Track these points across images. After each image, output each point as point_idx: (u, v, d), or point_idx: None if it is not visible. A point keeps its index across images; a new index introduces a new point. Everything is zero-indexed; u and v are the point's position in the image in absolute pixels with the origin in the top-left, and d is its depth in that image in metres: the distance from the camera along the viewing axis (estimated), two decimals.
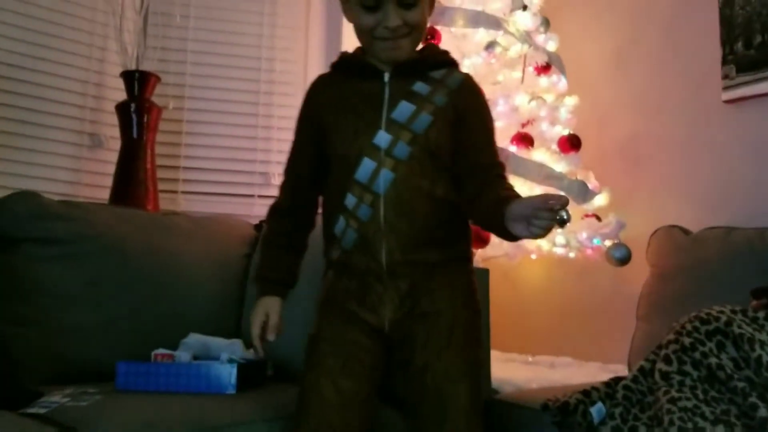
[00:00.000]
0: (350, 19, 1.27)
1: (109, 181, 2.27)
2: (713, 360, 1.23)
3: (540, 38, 2.38)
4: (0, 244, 1.63)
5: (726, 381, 1.21)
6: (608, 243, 2.18)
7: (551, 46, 2.39)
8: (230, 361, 1.50)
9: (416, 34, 1.25)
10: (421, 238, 1.23)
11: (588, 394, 1.33)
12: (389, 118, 1.23)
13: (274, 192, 1.43)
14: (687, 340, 1.26)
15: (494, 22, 2.27)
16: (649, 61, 2.46)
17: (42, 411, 1.25)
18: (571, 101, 2.40)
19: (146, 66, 2.33)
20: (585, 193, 2.18)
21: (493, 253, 2.17)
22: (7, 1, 2.28)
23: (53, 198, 1.75)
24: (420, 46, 1.32)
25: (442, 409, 1.20)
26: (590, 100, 2.49)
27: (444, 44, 2.30)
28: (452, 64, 1.33)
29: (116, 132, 2.31)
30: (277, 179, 1.74)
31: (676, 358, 1.26)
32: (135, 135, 2.27)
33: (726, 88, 2.18)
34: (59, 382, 1.48)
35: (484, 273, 1.63)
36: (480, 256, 2.14)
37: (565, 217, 1.02)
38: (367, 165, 1.22)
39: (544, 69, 2.37)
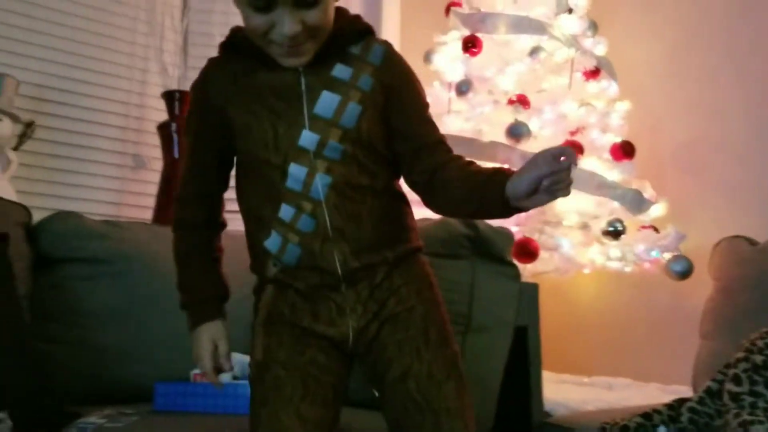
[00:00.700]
0: (237, 6, 1.07)
1: (152, 202, 2.30)
2: None
3: (587, 42, 2.34)
4: (40, 264, 1.66)
5: None
6: (667, 255, 2.14)
7: (600, 50, 2.36)
8: None
9: (321, 34, 1.07)
10: (374, 238, 1.11)
11: (649, 417, 1.29)
12: (312, 114, 1.08)
13: None
14: (759, 358, 1.22)
15: (538, 27, 2.23)
16: (705, 63, 2.42)
17: None
18: (622, 107, 2.36)
19: (187, 86, 2.34)
20: (640, 203, 2.13)
21: (542, 268, 2.14)
22: (50, 26, 2.35)
23: (96, 219, 1.78)
24: None
25: (432, 416, 1.08)
26: (643, 105, 2.45)
27: (485, 52, 2.26)
28: (368, 32, 1.18)
29: (159, 152, 2.34)
30: None
31: (747, 378, 1.22)
32: (176, 155, 2.28)
33: None
34: (97, 402, 1.48)
35: (533, 288, 1.57)
36: (529, 272, 2.09)
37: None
38: (297, 171, 1.08)
39: (593, 74, 2.33)
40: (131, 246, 1.72)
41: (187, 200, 1.21)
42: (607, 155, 2.25)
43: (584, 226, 2.19)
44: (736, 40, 2.31)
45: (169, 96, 2.31)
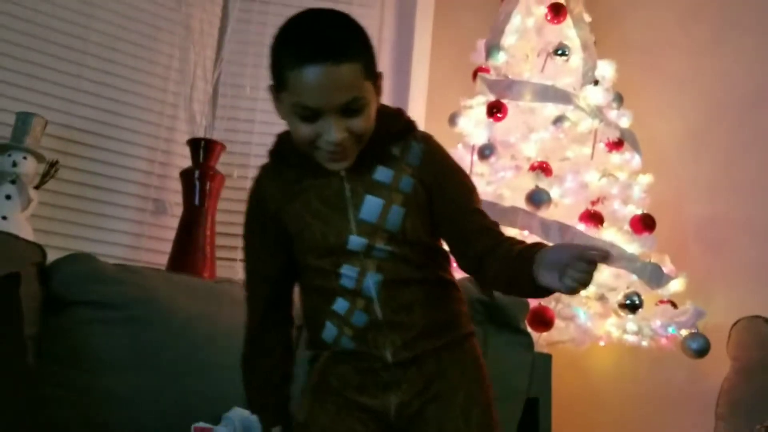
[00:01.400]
0: (282, 117, 1.13)
1: (170, 247, 2.29)
2: None
3: (612, 114, 2.33)
4: (51, 306, 1.63)
5: None
6: (684, 332, 2.07)
7: (624, 122, 2.35)
8: None
9: (365, 138, 1.10)
10: (425, 327, 1.14)
11: None
12: (358, 219, 1.12)
13: None
14: None
15: (564, 97, 2.24)
16: (728, 140, 2.38)
17: None
18: (645, 179, 2.33)
19: (213, 135, 2.38)
20: (660, 278, 2.08)
21: (558, 337, 2.08)
22: (85, 70, 2.41)
23: (114, 261, 1.76)
24: None
25: None
26: (665, 179, 2.41)
27: (510, 118, 2.27)
28: (408, 130, 1.19)
29: (180, 198, 2.34)
30: None
31: None
32: (197, 202, 2.29)
33: None
34: None
35: (546, 359, 1.53)
36: (544, 340, 2.04)
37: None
38: (349, 272, 1.12)
39: (617, 145, 2.31)
40: (144, 292, 1.71)
41: (252, 311, 1.24)
42: (627, 227, 2.21)
43: (601, 298, 2.15)
44: (762, 119, 2.28)
45: (194, 144, 2.32)
